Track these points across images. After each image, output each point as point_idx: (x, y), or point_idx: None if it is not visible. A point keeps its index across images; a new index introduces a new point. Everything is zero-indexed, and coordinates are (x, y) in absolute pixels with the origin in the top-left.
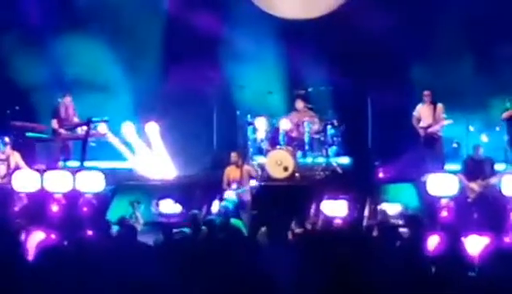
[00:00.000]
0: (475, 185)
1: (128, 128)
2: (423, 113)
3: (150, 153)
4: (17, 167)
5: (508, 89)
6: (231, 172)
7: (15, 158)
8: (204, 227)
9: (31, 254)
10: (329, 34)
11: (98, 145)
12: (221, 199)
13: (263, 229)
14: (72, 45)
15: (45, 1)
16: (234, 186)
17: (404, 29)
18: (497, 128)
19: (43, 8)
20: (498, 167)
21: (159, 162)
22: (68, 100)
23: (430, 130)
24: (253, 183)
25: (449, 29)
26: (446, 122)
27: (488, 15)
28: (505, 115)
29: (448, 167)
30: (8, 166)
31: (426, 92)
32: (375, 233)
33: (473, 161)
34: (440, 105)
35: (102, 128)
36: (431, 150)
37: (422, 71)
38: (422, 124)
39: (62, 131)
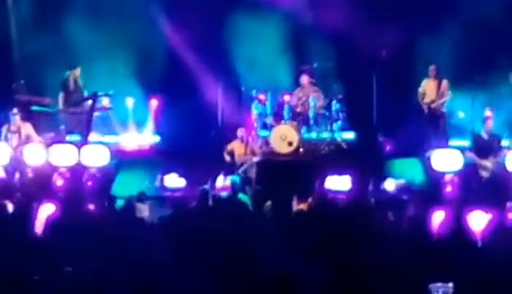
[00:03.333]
0: (488, 163)
1: (130, 103)
2: (428, 88)
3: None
4: (28, 138)
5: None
6: (236, 148)
7: (27, 129)
8: (210, 202)
9: (39, 226)
10: (334, 12)
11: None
12: (225, 174)
13: (268, 203)
14: (77, 21)
15: None
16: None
17: (411, 3)
18: None
19: None
20: (504, 143)
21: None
22: (77, 72)
23: (433, 105)
24: (257, 159)
25: (457, 5)
26: (447, 98)
27: None
28: None
29: (454, 142)
30: (20, 137)
31: (432, 67)
32: (379, 209)
33: (483, 138)
34: (445, 81)
35: (106, 102)
36: (435, 126)
37: (428, 46)
38: (426, 100)
39: (67, 105)
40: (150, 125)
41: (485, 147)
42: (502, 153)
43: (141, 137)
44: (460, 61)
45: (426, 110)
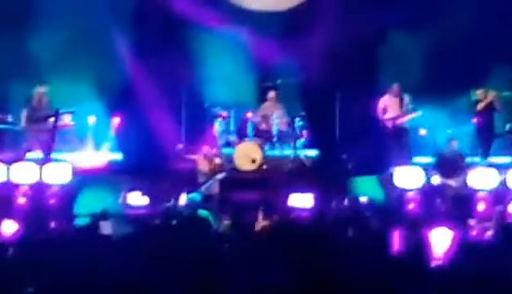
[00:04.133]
0: (453, 182)
1: (92, 121)
2: (389, 104)
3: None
4: None
5: (474, 81)
6: (200, 164)
7: None
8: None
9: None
10: (300, 25)
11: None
12: (188, 192)
13: (229, 221)
14: (40, 37)
15: None
16: (204, 178)
17: (374, 21)
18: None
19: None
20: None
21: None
22: (42, 90)
23: (399, 121)
24: (221, 175)
25: (416, 26)
26: (414, 114)
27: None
28: (481, 105)
29: (418, 159)
30: None
31: (395, 85)
32: (341, 227)
33: (447, 156)
34: (407, 96)
35: (68, 120)
36: (398, 142)
37: (391, 66)
38: (388, 115)
39: (30, 122)
40: (108, 143)
41: (449, 166)
42: (466, 172)
43: (99, 155)
44: (422, 78)
45: (390, 125)
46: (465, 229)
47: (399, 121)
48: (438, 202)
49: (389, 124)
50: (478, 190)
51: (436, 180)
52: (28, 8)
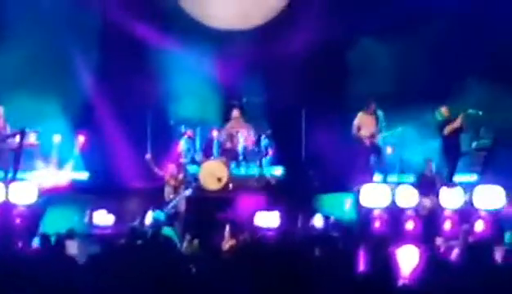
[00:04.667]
0: (427, 201)
1: (57, 140)
2: (365, 121)
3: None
4: None
5: (439, 99)
6: (167, 183)
7: None
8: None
9: None
10: (263, 44)
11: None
12: (154, 210)
13: (195, 240)
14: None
15: None
16: (170, 196)
17: (339, 40)
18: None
19: None
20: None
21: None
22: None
23: (375, 138)
24: (188, 193)
25: (382, 40)
26: (393, 131)
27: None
28: (448, 130)
29: (392, 177)
30: None
31: (372, 104)
32: (307, 245)
33: (426, 176)
34: (381, 113)
35: (32, 139)
36: (376, 159)
37: (358, 81)
38: (364, 133)
39: None
40: (73, 161)
41: (427, 185)
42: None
43: (64, 173)
44: (388, 93)
45: (368, 143)
46: (432, 247)
47: (375, 138)
48: (406, 220)
49: (367, 142)
50: (445, 209)
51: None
52: None
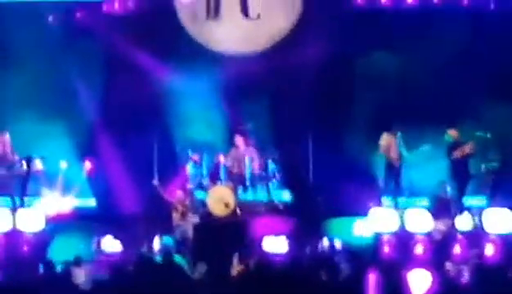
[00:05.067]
0: (441, 225)
1: (63, 166)
2: (391, 142)
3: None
4: None
5: (448, 118)
6: (174, 208)
7: None
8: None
9: None
10: (269, 68)
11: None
12: (161, 236)
13: (204, 266)
14: (6, 81)
15: None
16: (178, 222)
17: (346, 62)
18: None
19: None
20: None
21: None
22: (5, 137)
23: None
24: (195, 219)
25: (392, 61)
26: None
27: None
28: (458, 154)
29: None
30: None
31: (394, 124)
32: (315, 270)
33: (440, 199)
34: (399, 134)
35: (38, 165)
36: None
37: (365, 104)
38: (393, 154)
39: None
40: (78, 187)
41: (443, 209)
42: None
43: (70, 200)
44: (396, 115)
45: (397, 165)
46: (443, 271)
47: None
48: (415, 244)
49: (396, 163)
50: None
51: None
52: None
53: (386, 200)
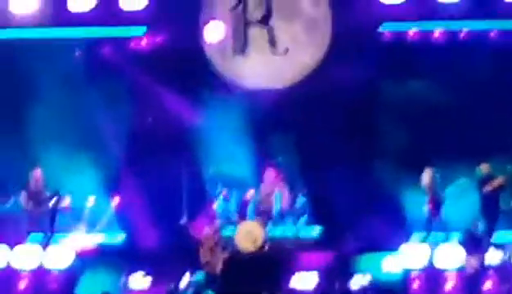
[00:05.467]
0: (473, 260)
1: (91, 201)
2: (431, 177)
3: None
4: None
5: (479, 155)
6: (203, 244)
7: None
8: None
9: None
10: (297, 103)
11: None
12: (191, 272)
13: None
14: (36, 117)
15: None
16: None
17: (375, 95)
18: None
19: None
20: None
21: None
22: (38, 173)
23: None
24: (225, 255)
25: (422, 94)
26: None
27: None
28: (489, 188)
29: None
30: None
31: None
32: None
33: (473, 234)
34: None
35: (67, 201)
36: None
37: (394, 137)
38: (433, 190)
39: (30, 204)
40: (106, 222)
41: (475, 244)
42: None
43: (98, 235)
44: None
45: (436, 200)
46: None
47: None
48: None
49: (436, 199)
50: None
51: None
52: (21, 90)
53: (417, 235)
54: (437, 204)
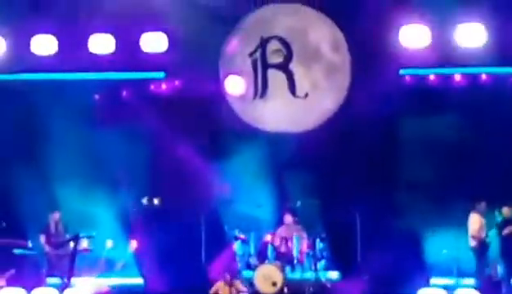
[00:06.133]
0: None
1: (109, 245)
2: (482, 222)
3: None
4: None
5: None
6: (221, 289)
7: None
8: None
9: None
10: (316, 147)
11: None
12: None
13: None
14: (59, 161)
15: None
16: None
17: (394, 140)
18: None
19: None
20: None
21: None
22: (57, 216)
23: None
24: None
25: (441, 139)
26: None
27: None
28: (505, 233)
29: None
30: None
31: (483, 203)
32: None
33: (492, 279)
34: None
35: (85, 244)
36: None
37: (412, 181)
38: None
39: (49, 247)
40: (122, 264)
41: (493, 289)
42: None
43: (115, 279)
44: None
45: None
46: None
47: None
48: None
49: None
50: None
51: None
52: (41, 132)
53: (435, 279)
54: (484, 248)
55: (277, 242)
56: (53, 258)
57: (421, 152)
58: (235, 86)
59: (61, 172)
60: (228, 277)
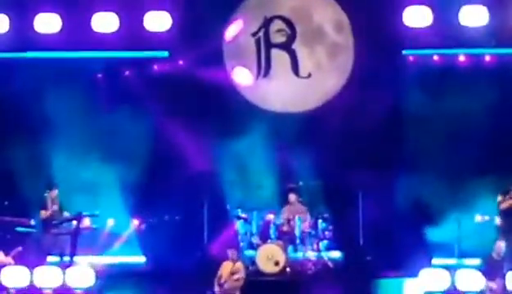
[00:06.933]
0: (494, 285)
1: (110, 224)
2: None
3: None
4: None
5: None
6: (225, 267)
7: None
8: None
9: None
10: (319, 127)
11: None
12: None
13: None
14: (60, 140)
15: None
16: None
17: (397, 119)
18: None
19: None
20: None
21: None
22: (54, 194)
23: None
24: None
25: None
26: None
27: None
28: (504, 205)
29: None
30: None
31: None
32: None
33: (493, 259)
34: None
35: (87, 222)
36: None
37: (415, 161)
38: None
39: (50, 225)
40: (123, 243)
41: (493, 268)
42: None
43: (115, 257)
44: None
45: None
46: None
47: None
48: None
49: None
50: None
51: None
52: (42, 111)
53: (437, 260)
54: None
55: (280, 222)
56: (53, 236)
57: (424, 132)
58: (243, 77)
59: (64, 150)
60: (235, 254)
